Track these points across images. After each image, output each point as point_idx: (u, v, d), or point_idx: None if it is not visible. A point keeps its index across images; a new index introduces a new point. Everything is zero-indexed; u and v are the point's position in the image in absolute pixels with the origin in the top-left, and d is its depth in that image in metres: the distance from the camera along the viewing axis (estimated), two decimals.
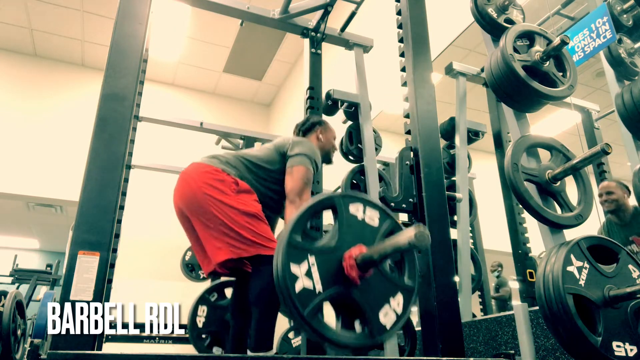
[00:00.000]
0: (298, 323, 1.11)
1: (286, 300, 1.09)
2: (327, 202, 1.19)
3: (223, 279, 2.57)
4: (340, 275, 1.13)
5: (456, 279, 2.66)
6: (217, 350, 2.62)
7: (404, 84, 1.86)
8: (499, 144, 3.01)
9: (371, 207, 1.23)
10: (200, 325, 2.53)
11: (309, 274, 1.10)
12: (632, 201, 2.40)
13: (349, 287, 1.14)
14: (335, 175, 2.71)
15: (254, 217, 1.69)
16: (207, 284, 4.37)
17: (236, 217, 1.65)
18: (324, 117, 2.64)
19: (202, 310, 2.56)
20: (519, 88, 1.55)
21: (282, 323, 3.73)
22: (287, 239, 1.11)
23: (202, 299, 2.57)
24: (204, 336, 2.52)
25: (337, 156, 2.25)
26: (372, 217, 1.23)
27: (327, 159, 2.15)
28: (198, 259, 1.85)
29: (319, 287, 1.10)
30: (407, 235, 1.06)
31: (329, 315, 1.21)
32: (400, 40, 1.93)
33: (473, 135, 3.19)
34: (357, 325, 1.16)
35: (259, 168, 1.85)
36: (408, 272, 1.23)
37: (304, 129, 2.13)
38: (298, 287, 1.08)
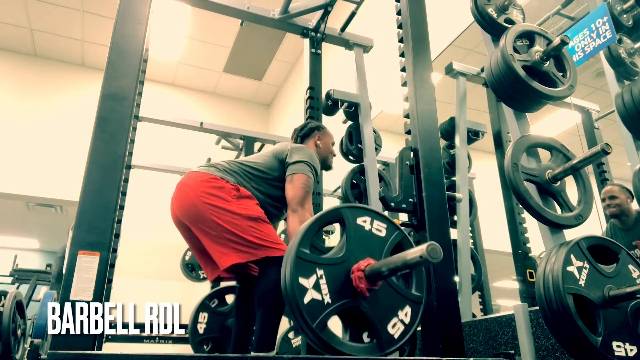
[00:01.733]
0: (307, 335, 1.10)
1: (295, 312, 1.08)
2: (335, 214, 1.19)
3: (223, 284, 2.56)
4: (348, 288, 1.12)
5: (456, 279, 2.66)
6: None
7: (404, 84, 1.86)
8: (499, 144, 3.01)
9: (378, 219, 1.23)
10: (201, 331, 2.53)
11: (317, 286, 1.09)
12: (635, 206, 2.41)
13: (358, 299, 1.13)
14: (336, 175, 2.71)
15: (257, 220, 1.68)
16: (207, 284, 4.38)
17: (239, 222, 1.64)
18: (324, 118, 2.64)
19: (203, 317, 2.56)
20: (519, 88, 1.55)
21: (282, 323, 3.73)
22: (296, 253, 1.10)
23: (202, 306, 2.57)
24: (204, 343, 2.52)
25: (337, 156, 2.25)
26: (379, 229, 1.22)
27: (326, 165, 2.13)
28: (201, 265, 1.84)
29: (327, 299, 1.09)
30: (419, 249, 1.04)
31: (337, 326, 1.20)
32: (400, 40, 1.93)
33: (473, 135, 3.19)
34: (365, 337, 1.15)
35: (258, 174, 1.83)
36: (416, 283, 1.23)
37: (302, 135, 2.10)
38: (307, 299, 1.07)
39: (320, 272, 1.11)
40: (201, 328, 2.53)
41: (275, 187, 1.84)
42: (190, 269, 4.87)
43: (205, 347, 2.53)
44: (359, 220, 1.20)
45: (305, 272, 1.09)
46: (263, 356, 1.61)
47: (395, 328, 1.15)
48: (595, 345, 1.16)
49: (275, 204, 1.84)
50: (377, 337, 1.13)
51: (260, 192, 1.80)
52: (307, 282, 1.08)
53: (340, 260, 1.14)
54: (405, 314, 1.18)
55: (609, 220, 2.54)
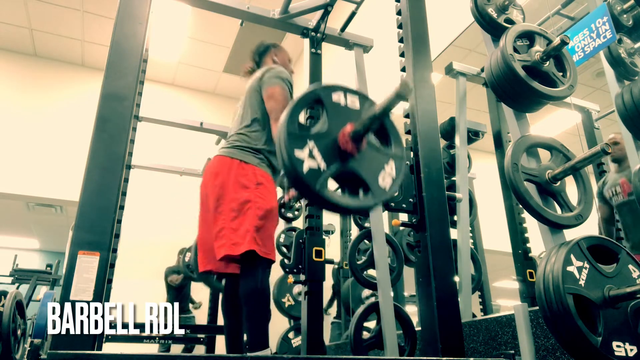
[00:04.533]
0: (311, 199, 1.26)
1: (297, 182, 1.19)
2: (312, 94, 1.32)
3: None
4: (338, 153, 1.26)
5: (456, 279, 2.66)
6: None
7: None
8: (499, 144, 3.01)
9: (351, 93, 1.36)
10: None
11: (311, 156, 1.21)
12: None
13: (348, 161, 1.26)
14: None
15: (270, 212, 1.79)
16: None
17: (253, 211, 1.75)
18: None
19: None
20: (519, 88, 1.55)
21: (282, 323, 3.73)
22: (286, 129, 1.21)
23: None
24: None
25: None
26: (353, 102, 1.36)
27: None
28: (199, 255, 1.92)
29: (322, 166, 1.22)
30: (393, 90, 1.18)
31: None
32: (400, 40, 1.93)
33: (473, 135, 3.19)
34: (361, 193, 1.29)
35: (256, 131, 1.93)
36: (394, 143, 1.37)
37: (259, 52, 2.27)
38: (305, 168, 1.18)
39: (311, 143, 1.23)
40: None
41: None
42: (191, 270, 4.87)
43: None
44: (334, 97, 1.33)
45: (299, 145, 1.20)
46: (262, 356, 1.61)
47: (384, 180, 1.30)
48: (595, 345, 1.16)
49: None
50: (370, 189, 1.28)
51: (266, 143, 1.91)
52: (302, 153, 1.20)
53: (326, 132, 1.27)
54: (391, 168, 1.33)
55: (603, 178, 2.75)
